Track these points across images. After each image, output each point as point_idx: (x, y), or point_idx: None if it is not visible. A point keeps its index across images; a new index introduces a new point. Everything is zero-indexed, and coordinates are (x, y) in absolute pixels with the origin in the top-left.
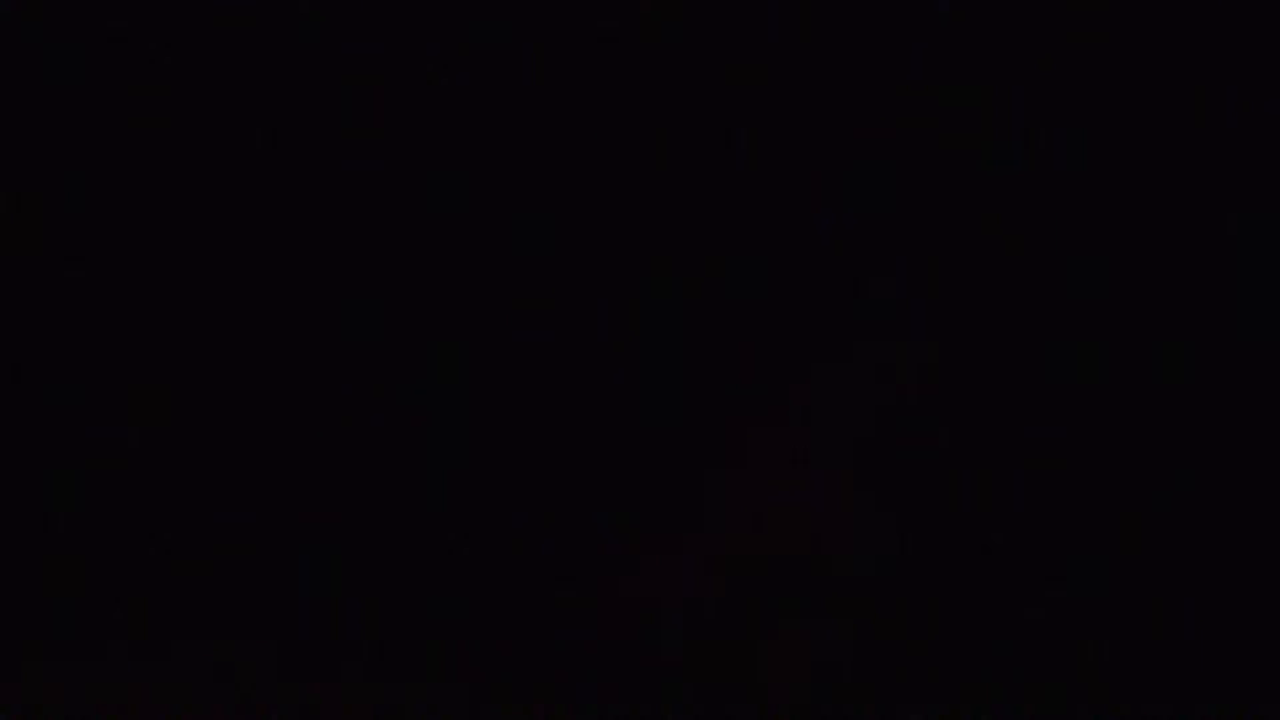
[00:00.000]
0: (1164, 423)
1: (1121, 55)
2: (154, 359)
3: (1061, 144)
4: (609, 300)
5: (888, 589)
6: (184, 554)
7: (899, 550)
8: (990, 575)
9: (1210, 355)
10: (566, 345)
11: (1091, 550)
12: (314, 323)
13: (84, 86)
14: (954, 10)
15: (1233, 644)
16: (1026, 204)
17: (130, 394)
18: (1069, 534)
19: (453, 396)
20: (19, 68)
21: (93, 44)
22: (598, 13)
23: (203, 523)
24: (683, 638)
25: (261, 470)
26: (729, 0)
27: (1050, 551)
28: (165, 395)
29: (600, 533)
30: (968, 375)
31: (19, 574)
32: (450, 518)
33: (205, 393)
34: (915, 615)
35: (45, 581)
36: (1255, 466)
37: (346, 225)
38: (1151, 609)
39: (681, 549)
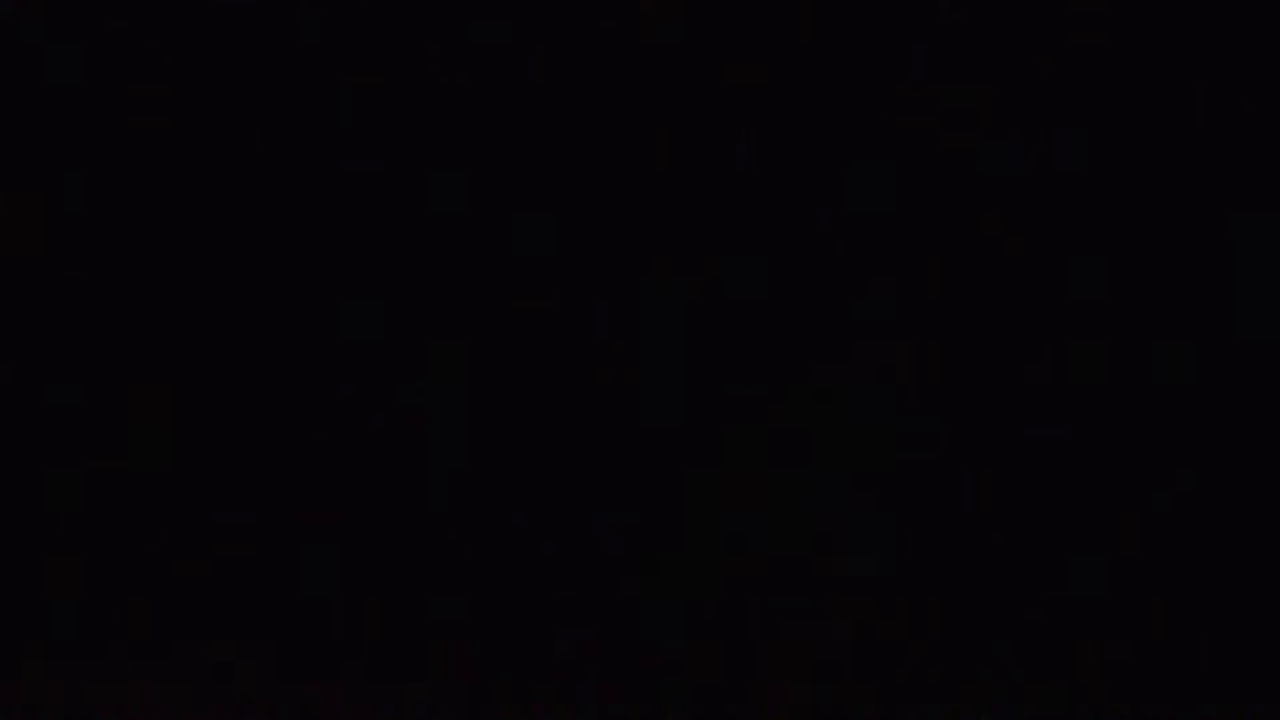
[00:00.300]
0: (1163, 422)
1: (1121, 55)
2: (154, 359)
3: (1061, 144)
4: (609, 301)
5: (888, 589)
6: (184, 554)
7: (899, 550)
8: (990, 575)
9: (1209, 355)
10: (567, 345)
11: (1091, 550)
12: (314, 323)
13: (84, 87)
14: (954, 10)
15: (1233, 644)
16: (1025, 205)
17: (130, 394)
18: (1069, 534)
19: (453, 397)
20: (19, 68)
21: (93, 44)
22: (598, 13)
23: (203, 523)
24: (683, 638)
25: (261, 470)
26: (729, 0)
27: (1050, 551)
28: (165, 395)
29: (600, 533)
30: (968, 375)
31: (19, 574)
32: (450, 518)
33: (205, 393)
34: (915, 615)
35: (45, 581)
36: (1255, 466)
37: (346, 225)
38: (1151, 609)
39: (682, 550)
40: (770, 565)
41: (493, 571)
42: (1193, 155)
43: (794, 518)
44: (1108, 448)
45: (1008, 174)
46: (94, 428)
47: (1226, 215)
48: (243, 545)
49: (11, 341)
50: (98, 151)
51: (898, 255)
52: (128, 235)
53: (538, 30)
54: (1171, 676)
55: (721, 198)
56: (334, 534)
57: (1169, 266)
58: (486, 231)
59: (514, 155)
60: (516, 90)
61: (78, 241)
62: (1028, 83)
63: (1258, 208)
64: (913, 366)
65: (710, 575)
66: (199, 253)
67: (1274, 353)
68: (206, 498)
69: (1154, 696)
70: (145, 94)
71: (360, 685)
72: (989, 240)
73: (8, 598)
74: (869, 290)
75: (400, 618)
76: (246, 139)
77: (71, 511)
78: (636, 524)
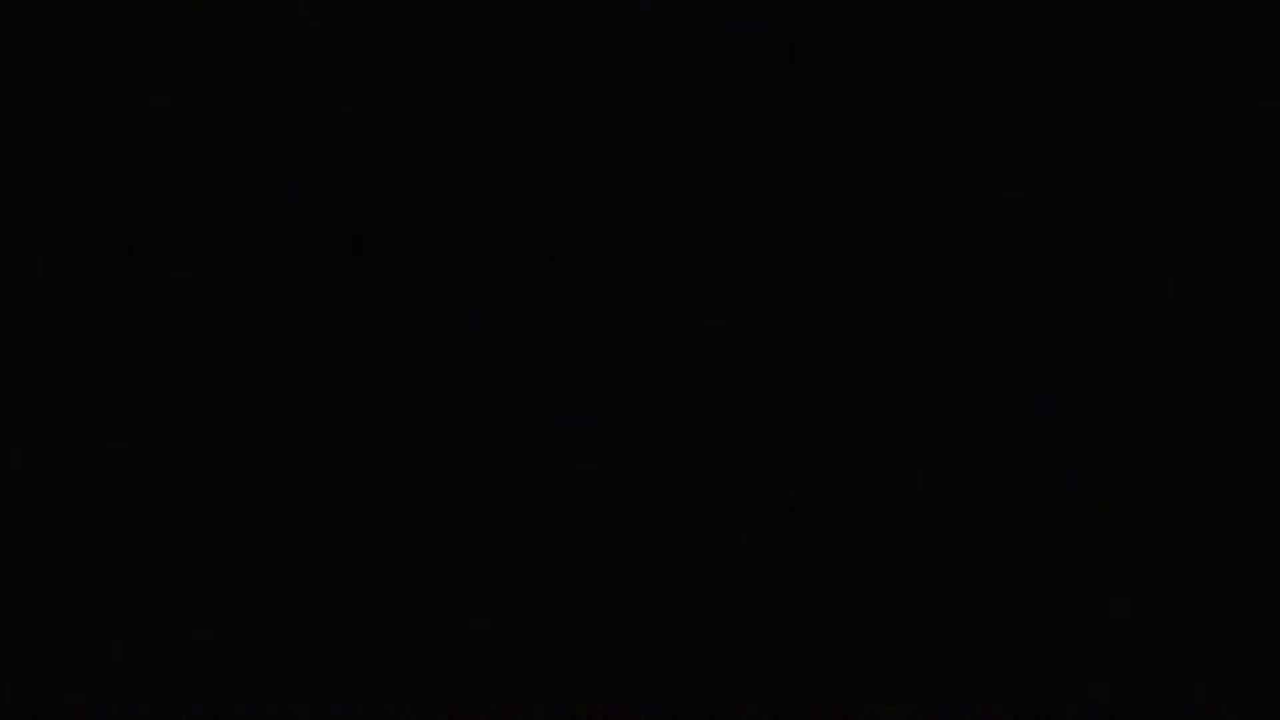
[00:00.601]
0: (1163, 422)
1: (1121, 55)
2: (154, 359)
3: (1061, 144)
4: (608, 300)
5: (888, 589)
6: (184, 554)
7: (898, 550)
8: (990, 575)
9: (1210, 355)
10: (565, 345)
11: (1091, 550)
12: (313, 323)
13: (84, 86)
14: (954, 10)
15: (1233, 644)
16: (1025, 204)
17: (130, 394)
18: (1069, 534)
19: (452, 397)
20: (19, 68)
21: (93, 44)
22: (598, 13)
23: (202, 522)
24: (684, 638)
25: (261, 470)
26: (729, 0)
27: (1050, 551)
28: (165, 395)
29: (600, 533)
30: (967, 375)
31: (19, 574)
32: (450, 518)
33: (205, 393)
34: (915, 615)
35: (45, 581)
36: (1255, 466)
37: (346, 225)
38: (1152, 609)
39: (683, 550)
40: (770, 565)
41: (492, 571)
42: (1193, 155)
43: (794, 517)
44: (1107, 447)
45: (1008, 174)
46: (94, 428)
47: (1227, 215)
48: (243, 545)
49: (11, 341)
50: (97, 151)
51: (898, 255)
52: (127, 235)
53: (538, 30)
54: (1172, 676)
55: (721, 197)
56: (333, 534)
57: (1170, 266)
58: (485, 231)
59: (513, 155)
60: (516, 90)
61: (78, 241)
62: (1028, 82)
63: (1258, 208)
64: (913, 366)
65: (711, 575)
66: (198, 253)
67: (1274, 353)
68: (206, 497)
69: (1155, 697)
70: (145, 94)
71: (359, 685)
72: (989, 240)
73: (8, 598)
74: (869, 290)
75: (400, 618)
76: (246, 139)
77: (71, 511)
78: (637, 524)
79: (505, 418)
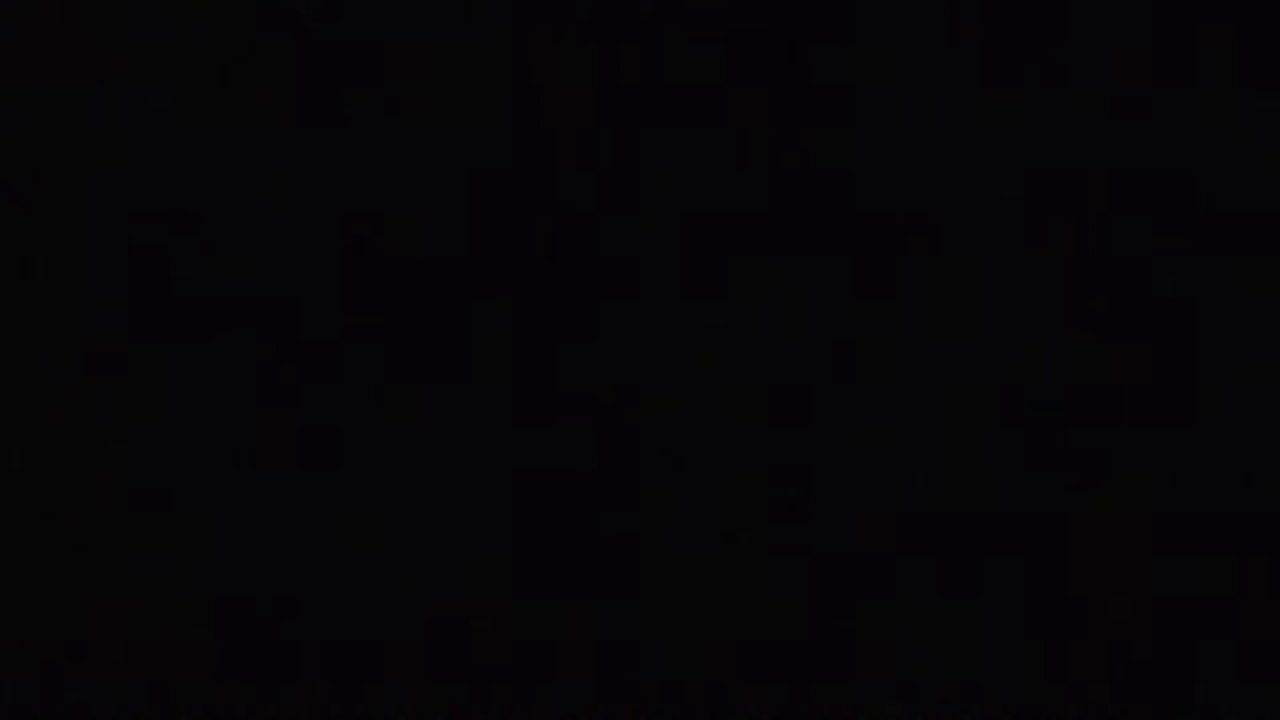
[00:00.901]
0: (1163, 423)
1: (1121, 56)
2: (154, 359)
3: (1061, 144)
4: (608, 300)
5: (888, 589)
6: (184, 554)
7: (897, 550)
8: (990, 575)
9: (1210, 356)
10: (565, 345)
11: (1091, 550)
12: (313, 323)
13: (84, 86)
14: (954, 10)
15: (1233, 644)
16: (1025, 204)
17: (130, 394)
18: (1068, 534)
19: (452, 397)
20: (19, 68)
21: (93, 44)
22: (598, 13)
23: (202, 522)
24: (684, 638)
25: (261, 470)
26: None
27: (1050, 551)
28: (165, 395)
29: (599, 532)
30: (965, 375)
31: (19, 574)
32: (450, 518)
33: (205, 393)
34: (915, 615)
35: (45, 581)
36: (1255, 466)
37: (346, 225)
38: (1153, 609)
39: (683, 550)
40: (770, 565)
41: (492, 571)
42: (1194, 155)
43: (794, 517)
44: (1108, 447)
45: (1008, 174)
46: (94, 427)
47: (1227, 215)
48: (242, 545)
49: (11, 341)
50: (98, 151)
51: (898, 255)
52: (126, 235)
53: (537, 30)
54: (1172, 676)
55: (721, 197)
56: (333, 534)
57: (1170, 266)
58: (485, 231)
59: (513, 155)
60: (516, 90)
61: (78, 241)
62: (1028, 82)
63: (1258, 208)
64: (913, 366)
65: (711, 575)
66: (198, 252)
67: (1274, 353)
68: (206, 497)
69: (1155, 696)
70: (145, 94)
71: (358, 686)
72: (989, 240)
73: (8, 598)
74: (869, 290)
75: (398, 618)
76: (247, 138)
77: (71, 511)
78: (637, 524)
79: (505, 418)
